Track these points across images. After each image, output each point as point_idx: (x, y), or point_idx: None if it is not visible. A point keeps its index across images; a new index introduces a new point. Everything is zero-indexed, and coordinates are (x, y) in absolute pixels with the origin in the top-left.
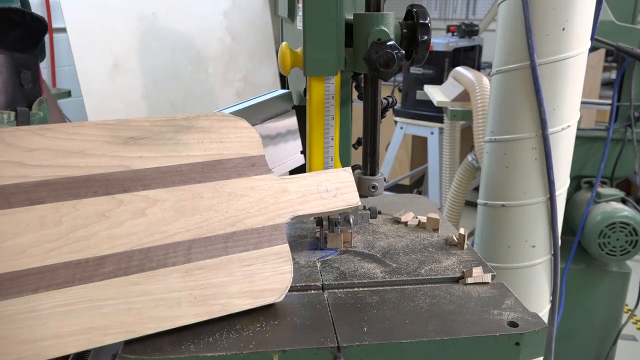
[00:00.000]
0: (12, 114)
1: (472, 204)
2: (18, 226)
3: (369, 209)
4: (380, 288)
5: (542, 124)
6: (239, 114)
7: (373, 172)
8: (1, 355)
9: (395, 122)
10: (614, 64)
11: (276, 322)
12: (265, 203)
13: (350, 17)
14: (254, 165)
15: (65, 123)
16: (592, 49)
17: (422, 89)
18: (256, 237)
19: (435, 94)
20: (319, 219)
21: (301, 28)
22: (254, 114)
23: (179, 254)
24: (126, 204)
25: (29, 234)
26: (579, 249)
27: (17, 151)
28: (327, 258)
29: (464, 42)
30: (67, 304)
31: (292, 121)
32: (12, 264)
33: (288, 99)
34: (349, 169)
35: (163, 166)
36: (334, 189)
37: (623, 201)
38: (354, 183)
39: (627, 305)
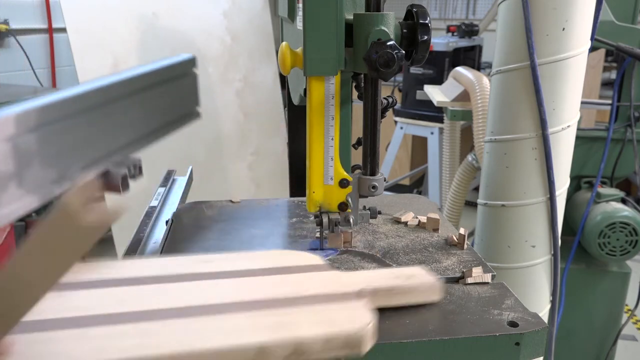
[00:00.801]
0: None
1: (472, 204)
2: (83, 294)
3: (369, 209)
4: None
5: (542, 124)
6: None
7: (373, 172)
8: None
9: (395, 122)
10: (614, 64)
11: None
12: (333, 282)
13: (350, 17)
14: (317, 268)
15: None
16: (592, 49)
17: (422, 89)
18: (325, 299)
19: (435, 94)
20: (319, 219)
21: (301, 28)
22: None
23: (242, 307)
24: (188, 286)
25: (90, 300)
26: (579, 249)
27: (98, 267)
28: (327, 258)
29: (464, 42)
30: (119, 332)
31: None
32: (71, 312)
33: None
34: (420, 267)
35: (227, 270)
36: (406, 275)
37: (623, 201)
38: (426, 273)
39: (627, 305)
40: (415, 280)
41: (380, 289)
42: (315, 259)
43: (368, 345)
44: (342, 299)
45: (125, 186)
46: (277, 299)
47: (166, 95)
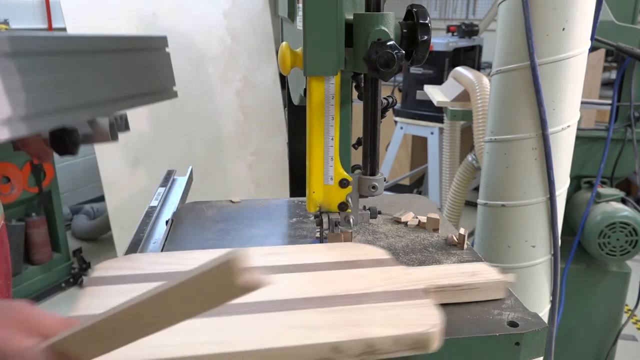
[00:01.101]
0: None
1: (472, 204)
2: None
3: (369, 209)
4: None
5: (542, 124)
6: None
7: (373, 172)
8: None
9: (395, 122)
10: (614, 64)
11: None
12: (399, 279)
13: (350, 17)
14: (381, 263)
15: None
16: (592, 49)
17: (422, 89)
18: (393, 296)
19: (435, 94)
20: (319, 219)
21: (301, 28)
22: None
23: (313, 303)
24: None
25: None
26: (579, 249)
27: (178, 258)
28: None
29: (464, 42)
30: (200, 327)
31: None
32: None
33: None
34: (484, 263)
35: (297, 263)
36: (471, 272)
37: (623, 201)
38: (492, 269)
39: (627, 305)
40: (482, 278)
41: (447, 287)
42: (379, 252)
43: (436, 344)
44: (409, 297)
45: (114, 135)
46: (347, 295)
47: (138, 65)
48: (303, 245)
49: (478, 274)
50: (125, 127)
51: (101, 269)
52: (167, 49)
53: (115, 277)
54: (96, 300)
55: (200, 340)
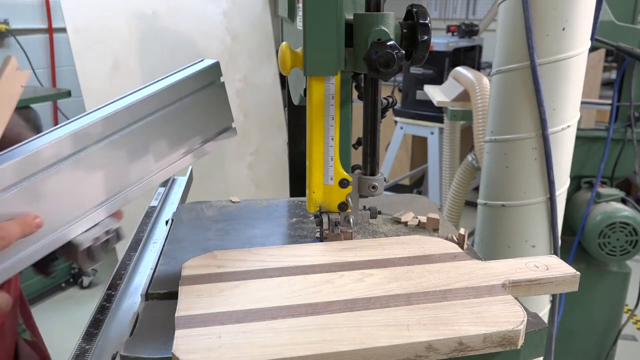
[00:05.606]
0: None
1: (472, 204)
2: (261, 284)
3: (369, 209)
4: None
5: (542, 124)
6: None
7: (373, 172)
8: (247, 355)
9: (395, 122)
10: (614, 64)
11: None
12: (476, 274)
13: (350, 17)
14: (455, 257)
15: (294, 245)
16: (592, 49)
17: (422, 89)
18: (474, 292)
19: (435, 94)
20: (319, 219)
21: (301, 28)
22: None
23: (400, 300)
24: (346, 276)
25: (269, 290)
26: (579, 249)
27: (262, 255)
28: None
29: (464, 42)
30: (301, 325)
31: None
32: (257, 304)
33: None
34: (554, 256)
35: (374, 259)
36: (543, 266)
37: (623, 201)
38: (563, 262)
39: (627, 305)
40: (556, 272)
41: (522, 281)
42: (451, 246)
43: (522, 340)
44: (490, 292)
45: (92, 257)
46: (430, 291)
47: (197, 109)
48: (376, 240)
49: (552, 268)
50: (118, 238)
51: (189, 267)
52: (221, 78)
53: (205, 275)
54: (197, 299)
55: (306, 340)
